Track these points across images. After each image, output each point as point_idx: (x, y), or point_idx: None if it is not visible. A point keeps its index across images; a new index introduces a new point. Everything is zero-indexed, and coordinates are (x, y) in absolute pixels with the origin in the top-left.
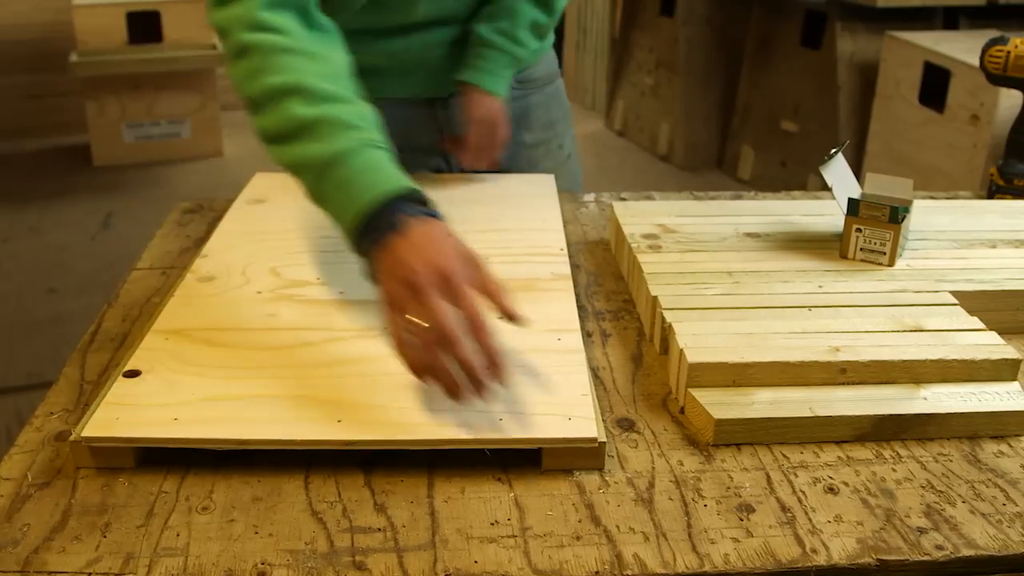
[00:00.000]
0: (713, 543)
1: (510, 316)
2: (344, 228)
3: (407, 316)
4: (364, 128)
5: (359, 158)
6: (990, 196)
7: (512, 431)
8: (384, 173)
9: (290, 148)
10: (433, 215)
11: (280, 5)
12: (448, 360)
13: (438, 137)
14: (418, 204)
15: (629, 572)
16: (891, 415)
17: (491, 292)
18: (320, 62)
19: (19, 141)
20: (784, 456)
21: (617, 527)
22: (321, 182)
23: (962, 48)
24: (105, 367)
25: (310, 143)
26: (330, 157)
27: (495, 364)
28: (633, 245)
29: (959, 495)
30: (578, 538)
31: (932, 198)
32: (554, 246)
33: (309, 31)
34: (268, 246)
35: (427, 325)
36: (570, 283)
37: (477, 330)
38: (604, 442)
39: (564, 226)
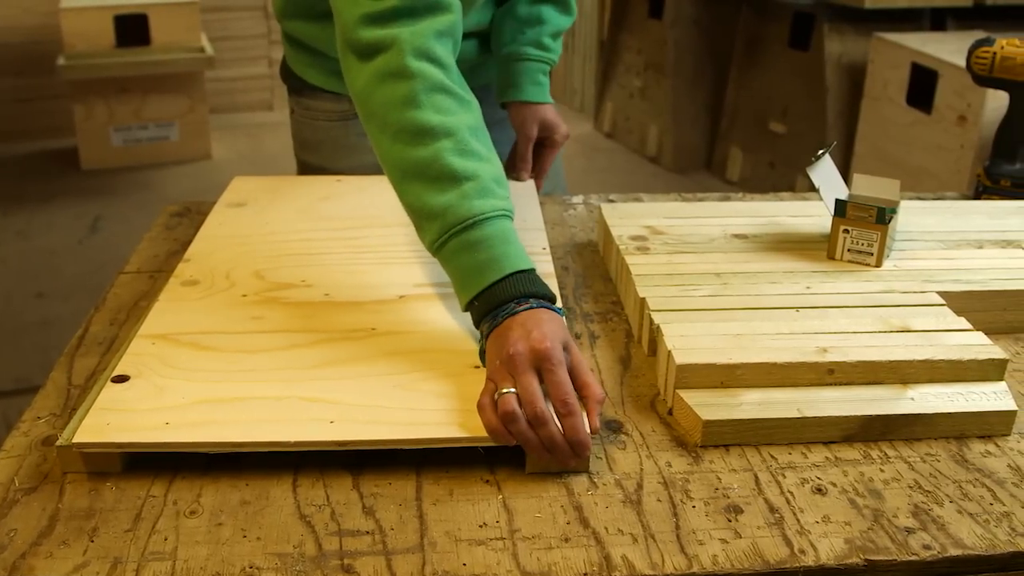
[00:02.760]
0: (701, 544)
1: (590, 416)
2: (466, 292)
3: (501, 390)
4: (501, 195)
5: (493, 225)
6: (977, 196)
7: None
8: (514, 247)
9: (428, 192)
10: (548, 306)
11: (445, 35)
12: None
13: None
14: (537, 290)
15: (617, 574)
16: (879, 415)
17: (581, 383)
18: (470, 111)
19: (6, 145)
20: (772, 457)
21: (605, 529)
22: (450, 238)
23: (949, 49)
24: (92, 371)
25: (453, 196)
26: (466, 218)
27: (578, 449)
28: (621, 247)
29: (946, 495)
30: (566, 540)
31: (919, 199)
32: (536, 245)
33: (457, 69)
34: (251, 249)
35: (516, 392)
36: (554, 282)
37: (567, 414)
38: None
39: (552, 228)
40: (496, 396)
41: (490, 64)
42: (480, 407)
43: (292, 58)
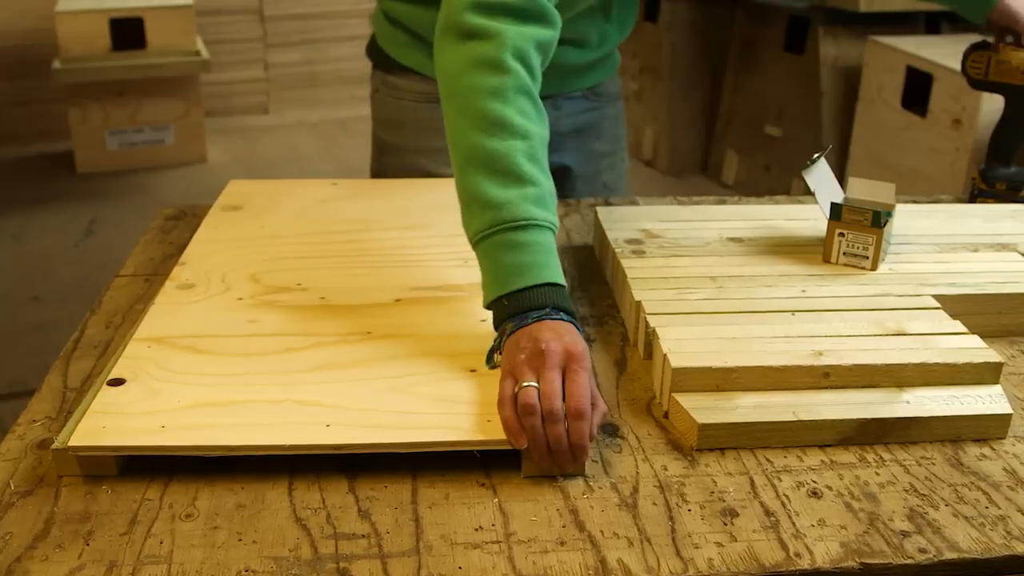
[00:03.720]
0: (697, 548)
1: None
2: (498, 287)
3: (522, 383)
4: (553, 210)
5: (542, 235)
6: (972, 200)
7: (499, 432)
8: (555, 260)
9: (489, 183)
10: (577, 324)
11: (543, 48)
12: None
13: None
14: (569, 307)
15: None
16: (874, 419)
17: (592, 393)
18: (545, 126)
19: (2, 148)
20: (768, 460)
21: (601, 532)
22: (499, 232)
23: (944, 53)
24: (88, 375)
25: (513, 194)
26: (522, 218)
27: (578, 453)
28: (617, 250)
29: (942, 498)
30: (562, 543)
31: (915, 202)
32: None
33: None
34: (246, 252)
35: (538, 387)
36: None
37: (577, 415)
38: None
39: None
40: (517, 388)
41: (595, 70)
42: (500, 402)
43: (385, 36)
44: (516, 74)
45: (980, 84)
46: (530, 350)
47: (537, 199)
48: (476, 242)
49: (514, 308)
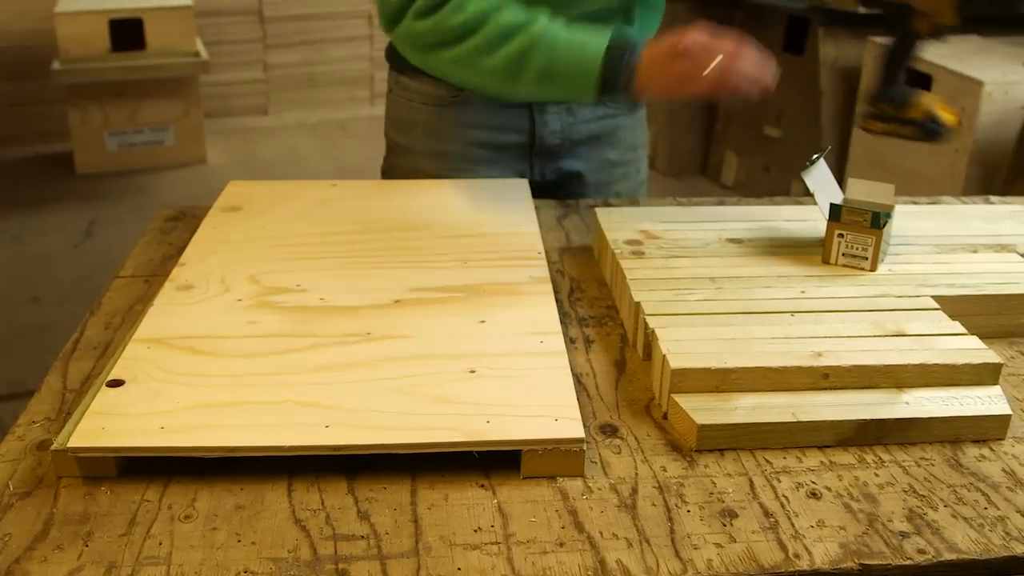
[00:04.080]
0: (696, 549)
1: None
2: (590, 69)
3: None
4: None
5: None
6: (862, 126)
7: (498, 433)
8: (591, 34)
9: (516, 40)
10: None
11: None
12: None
13: (528, 140)
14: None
15: None
16: (873, 420)
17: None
18: (543, 16)
19: (1, 149)
20: (767, 461)
21: (600, 533)
22: (556, 48)
23: (943, 53)
24: (87, 376)
25: (544, 29)
26: (545, 34)
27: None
28: (616, 251)
29: (941, 499)
30: (561, 544)
31: (914, 203)
32: (531, 250)
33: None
34: (245, 254)
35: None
36: (549, 286)
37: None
38: (584, 450)
39: (547, 232)
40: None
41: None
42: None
43: None
44: (476, 27)
45: (868, 2)
46: (673, 54)
47: (543, 27)
48: (545, 81)
49: (617, 52)
